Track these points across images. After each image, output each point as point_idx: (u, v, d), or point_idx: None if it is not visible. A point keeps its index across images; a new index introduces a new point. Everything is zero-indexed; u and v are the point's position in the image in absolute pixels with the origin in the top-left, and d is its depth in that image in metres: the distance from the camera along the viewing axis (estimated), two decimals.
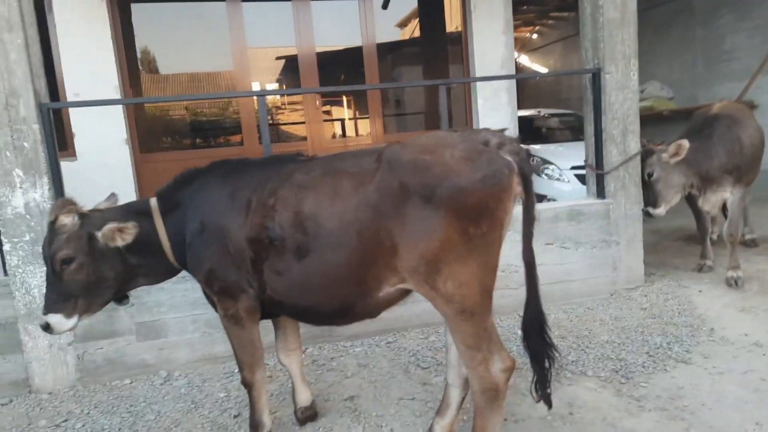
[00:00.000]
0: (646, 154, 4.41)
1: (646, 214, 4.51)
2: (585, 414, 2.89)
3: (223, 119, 7.58)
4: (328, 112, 13.00)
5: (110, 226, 2.35)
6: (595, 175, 4.46)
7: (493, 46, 6.13)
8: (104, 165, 5.28)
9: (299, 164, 2.44)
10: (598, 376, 3.25)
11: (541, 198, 6.94)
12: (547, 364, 2.29)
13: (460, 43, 6.55)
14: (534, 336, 2.30)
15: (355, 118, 9.69)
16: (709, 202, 4.72)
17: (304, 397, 2.96)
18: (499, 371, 2.24)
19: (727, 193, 4.67)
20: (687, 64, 8.80)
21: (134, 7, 6.67)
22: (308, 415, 2.96)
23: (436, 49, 7.81)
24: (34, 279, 3.43)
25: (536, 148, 7.29)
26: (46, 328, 2.40)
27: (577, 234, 4.36)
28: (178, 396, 3.40)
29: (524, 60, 14.72)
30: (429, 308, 2.52)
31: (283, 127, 10.44)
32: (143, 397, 3.41)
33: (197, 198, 2.52)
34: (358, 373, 3.53)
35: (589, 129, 4.46)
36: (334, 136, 10.02)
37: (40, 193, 3.40)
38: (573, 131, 8.31)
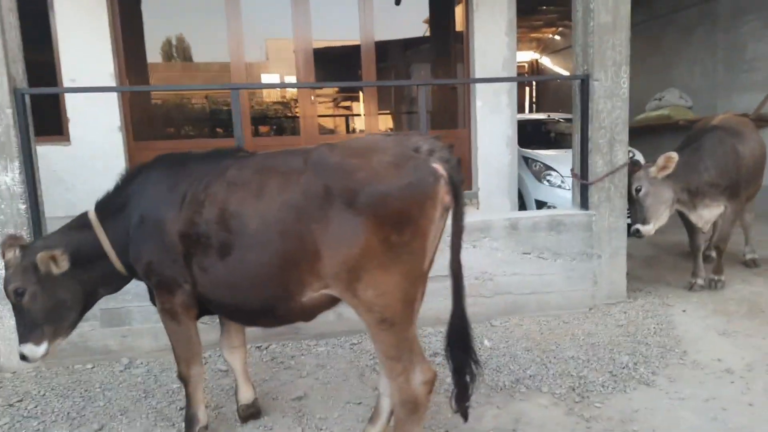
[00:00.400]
0: (633, 168, 4.25)
1: (635, 233, 4.34)
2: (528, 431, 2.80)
3: (217, 110, 7.64)
4: (348, 107, 13.00)
5: (40, 255, 2.38)
6: (580, 185, 4.32)
7: (494, 46, 6.00)
8: (98, 151, 5.37)
9: (236, 160, 2.42)
10: (553, 392, 3.15)
11: (542, 204, 6.79)
12: (468, 379, 2.21)
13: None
14: (457, 349, 2.22)
15: (368, 114, 9.63)
16: (702, 219, 4.53)
17: (246, 395, 2.95)
18: (419, 383, 2.17)
19: (721, 209, 4.47)
20: (708, 72, 8.46)
21: None
22: (250, 413, 2.95)
23: (445, 47, 7.70)
24: (1, 261, 3.49)
25: (539, 154, 7.13)
26: (23, 358, 2.50)
27: (556, 245, 4.23)
28: (133, 384, 3.43)
29: (546, 62, 14.43)
30: None
31: (329, 120, 10.46)
32: (100, 382, 3.46)
33: (138, 193, 2.53)
34: (314, 373, 3.51)
35: (577, 137, 4.33)
36: (353, 131, 9.95)
37: (11, 177, 3.46)
38: None
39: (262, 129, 8.98)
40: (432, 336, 3.98)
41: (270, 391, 3.29)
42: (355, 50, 6.48)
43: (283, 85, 6.33)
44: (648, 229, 4.29)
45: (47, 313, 2.49)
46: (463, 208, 2.15)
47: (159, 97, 7.73)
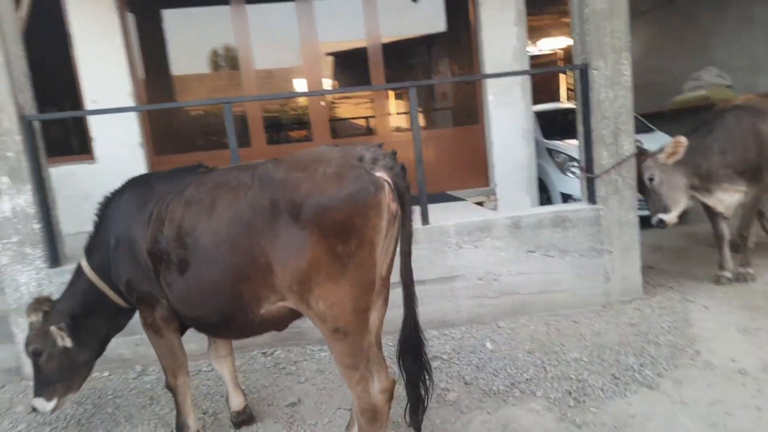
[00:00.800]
0: (642, 157, 4.05)
1: (659, 223, 4.17)
2: None
3: (242, 118, 7.82)
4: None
5: (52, 331, 2.60)
6: (586, 178, 4.16)
7: (503, 38, 5.85)
8: (121, 168, 5.58)
9: (196, 177, 2.49)
10: (547, 397, 3.05)
11: (567, 197, 6.59)
12: (421, 391, 2.18)
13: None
14: (409, 359, 2.20)
15: (381, 115, 9.54)
16: (723, 203, 4.27)
17: (237, 402, 3.03)
18: (378, 392, 2.17)
19: (742, 193, 4.19)
20: (746, 49, 7.92)
21: (165, 13, 7.02)
22: (242, 419, 3.03)
23: (459, 41, 7.57)
24: (22, 277, 3.75)
25: (562, 145, 6.90)
26: (34, 410, 2.74)
27: (563, 242, 4.09)
28: (142, 391, 3.59)
29: None
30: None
31: (345, 122, 10.49)
32: (113, 390, 3.64)
33: (112, 218, 2.67)
34: (312, 378, 3.55)
35: (580, 128, 4.16)
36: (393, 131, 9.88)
37: (25, 199, 3.69)
38: None
39: (290, 135, 9.11)
40: (436, 339, 3.94)
41: (267, 397, 3.36)
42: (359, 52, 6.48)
43: (272, 97, 6.40)
44: (671, 218, 4.13)
45: (61, 372, 2.70)
46: (411, 214, 2.12)
47: (182, 110, 8.01)
